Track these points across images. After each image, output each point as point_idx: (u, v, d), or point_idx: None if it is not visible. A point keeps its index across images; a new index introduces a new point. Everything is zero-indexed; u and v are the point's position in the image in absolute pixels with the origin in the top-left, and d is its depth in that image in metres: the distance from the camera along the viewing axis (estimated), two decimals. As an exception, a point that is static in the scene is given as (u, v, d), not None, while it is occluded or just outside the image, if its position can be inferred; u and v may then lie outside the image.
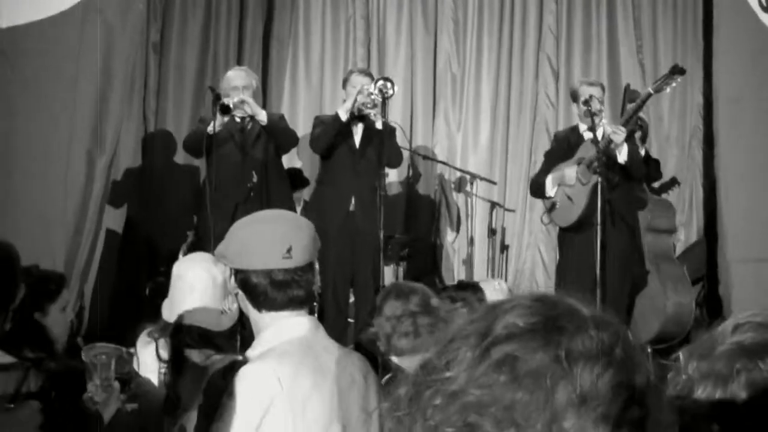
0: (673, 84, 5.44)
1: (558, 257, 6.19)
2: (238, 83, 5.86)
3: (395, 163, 6.06)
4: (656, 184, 7.10)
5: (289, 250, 2.10)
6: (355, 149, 5.91)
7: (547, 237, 7.35)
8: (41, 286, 3.11)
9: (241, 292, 2.17)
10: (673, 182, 7.35)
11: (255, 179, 5.77)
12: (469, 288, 3.18)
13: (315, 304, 6.22)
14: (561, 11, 7.65)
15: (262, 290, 2.12)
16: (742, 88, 5.49)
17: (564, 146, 5.91)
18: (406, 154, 6.53)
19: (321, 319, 6.14)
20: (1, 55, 5.23)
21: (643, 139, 6.65)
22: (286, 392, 2.03)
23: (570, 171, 5.67)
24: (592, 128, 5.47)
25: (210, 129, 5.62)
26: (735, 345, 1.34)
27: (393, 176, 7.21)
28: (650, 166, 6.63)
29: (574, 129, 5.96)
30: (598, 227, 5.19)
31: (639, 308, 6.27)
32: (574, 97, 5.89)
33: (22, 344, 2.69)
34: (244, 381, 2.04)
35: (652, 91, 5.49)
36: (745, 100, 5.48)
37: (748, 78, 5.49)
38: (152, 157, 7.01)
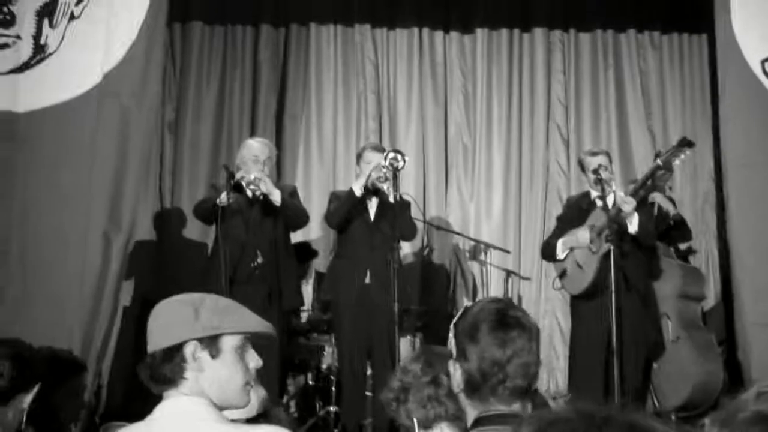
0: (682, 156, 5.52)
1: (571, 325, 6.18)
2: (259, 155, 5.87)
3: (409, 236, 6.09)
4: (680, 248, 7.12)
5: (147, 337, 2.12)
6: (370, 223, 5.96)
7: (564, 304, 7.32)
8: (62, 371, 3.14)
9: None
10: (690, 250, 7.35)
11: (260, 260, 5.78)
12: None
13: (333, 377, 6.22)
14: (569, 80, 7.75)
15: None
16: (750, 153, 5.50)
17: (575, 211, 5.96)
18: (420, 225, 6.57)
19: (338, 392, 6.14)
20: (20, 141, 5.33)
21: (674, 203, 6.69)
22: None
23: (583, 233, 5.70)
24: (602, 197, 5.53)
25: (219, 201, 5.61)
26: (755, 413, 1.36)
27: (408, 248, 7.25)
28: (680, 229, 6.67)
29: (586, 194, 6.01)
30: (613, 295, 5.18)
31: (666, 375, 6.20)
32: (582, 167, 5.99)
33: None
34: None
35: (660, 164, 5.56)
36: (755, 164, 5.48)
37: (756, 143, 5.50)
38: (167, 234, 7.09)
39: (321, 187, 7.42)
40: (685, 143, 5.55)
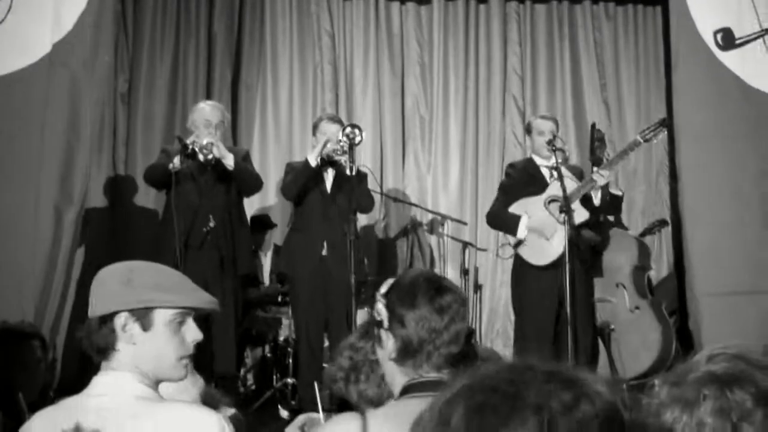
0: (660, 135, 5.61)
1: (514, 294, 6.09)
2: (211, 119, 5.81)
3: (366, 207, 6.07)
4: (624, 220, 7.20)
5: (90, 304, 2.09)
6: (326, 195, 5.93)
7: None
8: (8, 343, 3.11)
9: None
10: (663, 222, 7.43)
11: (212, 224, 5.71)
12: None
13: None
14: (525, 52, 7.77)
15: None
16: (703, 126, 5.55)
17: (523, 176, 5.93)
18: (377, 197, 6.56)
19: (295, 364, 6.15)
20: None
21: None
22: None
23: (549, 223, 5.65)
24: (557, 167, 5.53)
25: (171, 166, 5.57)
26: (706, 373, 1.39)
27: (365, 220, 7.25)
28: (615, 202, 6.76)
29: (530, 161, 6.02)
30: (567, 265, 5.23)
31: (627, 344, 6.27)
32: (529, 130, 6.00)
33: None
34: None
35: (640, 140, 5.65)
36: (706, 136, 5.54)
37: (709, 116, 5.55)
38: (119, 201, 7.01)
39: (277, 159, 7.39)
40: (666, 123, 5.64)
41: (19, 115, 5.18)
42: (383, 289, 2.19)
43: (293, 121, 7.59)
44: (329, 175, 5.97)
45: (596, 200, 5.66)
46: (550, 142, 5.64)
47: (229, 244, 5.79)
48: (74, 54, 5.21)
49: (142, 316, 2.06)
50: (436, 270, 7.52)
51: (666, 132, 5.74)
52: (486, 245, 7.56)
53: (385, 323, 2.14)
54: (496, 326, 7.51)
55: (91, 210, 6.41)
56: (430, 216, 7.56)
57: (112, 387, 2.04)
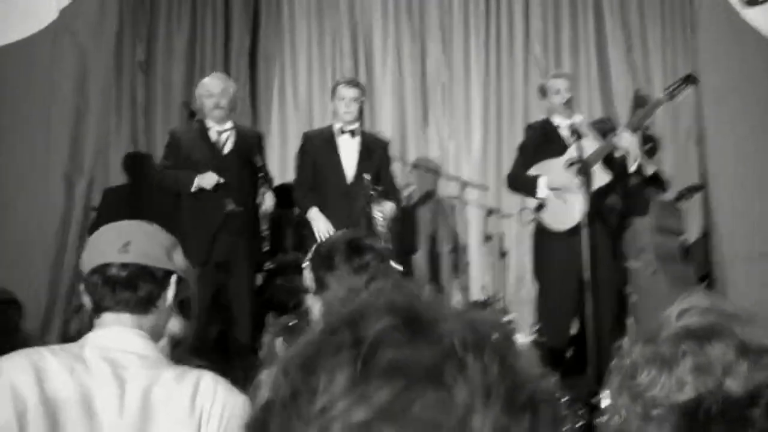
0: (686, 92, 5.48)
1: (535, 261, 6.07)
2: (212, 89, 5.77)
3: (393, 197, 5.93)
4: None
5: (126, 245, 1.94)
6: (345, 180, 5.87)
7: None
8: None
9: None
10: (696, 188, 7.28)
11: (231, 206, 5.66)
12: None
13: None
14: (547, 14, 7.60)
15: (96, 288, 1.96)
16: (726, 86, 5.41)
17: (541, 138, 5.84)
18: (398, 166, 6.49)
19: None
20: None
21: (651, 153, 6.63)
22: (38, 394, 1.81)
23: (570, 189, 5.53)
24: (576, 130, 5.42)
25: (192, 188, 5.61)
26: (680, 329, 1.33)
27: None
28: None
29: (547, 121, 5.91)
30: (585, 231, 5.15)
31: (645, 308, 6.21)
32: (544, 92, 5.89)
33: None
34: None
35: (664, 99, 5.49)
36: (731, 97, 5.40)
37: (732, 76, 5.40)
38: (138, 177, 7.00)
39: (297, 127, 7.32)
40: (691, 80, 5.49)
41: (25, 83, 5.17)
42: (309, 255, 2.20)
43: (312, 89, 7.52)
44: (351, 151, 5.89)
45: (632, 167, 5.53)
46: (568, 103, 5.53)
47: (249, 227, 5.77)
48: (80, 20, 5.18)
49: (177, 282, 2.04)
50: (461, 237, 7.45)
51: (690, 89, 5.58)
52: (511, 211, 7.44)
53: (312, 288, 2.19)
54: (522, 292, 7.42)
55: (110, 190, 6.45)
56: (452, 182, 7.47)
57: (122, 348, 1.93)
